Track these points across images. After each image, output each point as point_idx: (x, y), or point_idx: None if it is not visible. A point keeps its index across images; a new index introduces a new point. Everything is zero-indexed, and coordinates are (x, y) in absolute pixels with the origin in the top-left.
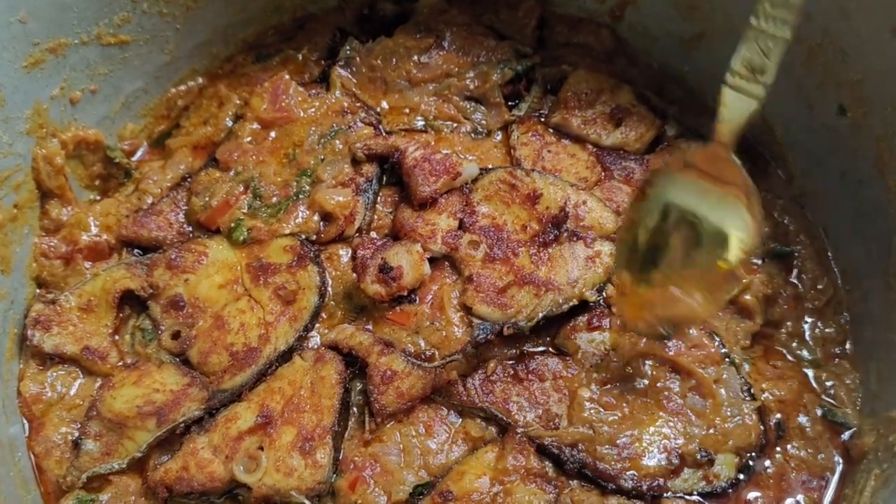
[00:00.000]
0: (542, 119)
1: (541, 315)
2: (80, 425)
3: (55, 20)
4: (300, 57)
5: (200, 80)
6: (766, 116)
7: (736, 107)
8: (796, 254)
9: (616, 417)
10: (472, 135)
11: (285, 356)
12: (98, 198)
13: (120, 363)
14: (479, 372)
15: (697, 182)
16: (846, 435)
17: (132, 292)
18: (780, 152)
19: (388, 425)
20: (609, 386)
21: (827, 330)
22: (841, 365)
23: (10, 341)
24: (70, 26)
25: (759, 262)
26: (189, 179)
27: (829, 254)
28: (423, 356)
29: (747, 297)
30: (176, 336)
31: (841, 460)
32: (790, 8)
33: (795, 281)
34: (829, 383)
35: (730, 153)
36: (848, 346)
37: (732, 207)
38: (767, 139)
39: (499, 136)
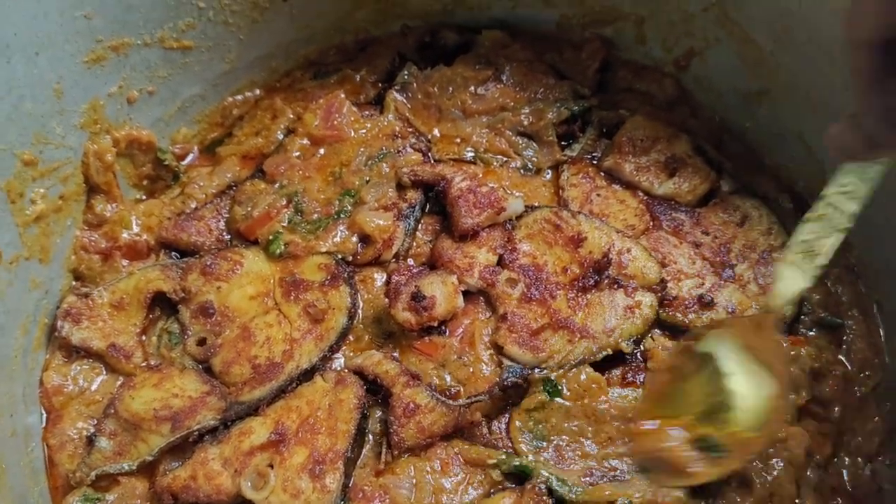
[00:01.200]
0: (595, 162)
1: (573, 362)
2: (96, 422)
3: (120, 19)
4: (358, 78)
5: (258, 91)
6: (827, 181)
7: (790, 284)
8: (847, 328)
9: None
10: (522, 171)
11: (307, 375)
12: (144, 197)
13: (144, 364)
14: (506, 415)
15: (740, 348)
16: None
17: (164, 294)
18: None
19: (403, 458)
20: None
21: (875, 419)
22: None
23: (40, 331)
24: (134, 26)
25: (809, 331)
26: (234, 188)
27: (881, 332)
28: (447, 392)
29: (793, 369)
30: (202, 343)
31: None
32: (856, 199)
33: (844, 359)
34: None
35: (777, 330)
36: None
37: (759, 385)
38: None
39: (548, 175)
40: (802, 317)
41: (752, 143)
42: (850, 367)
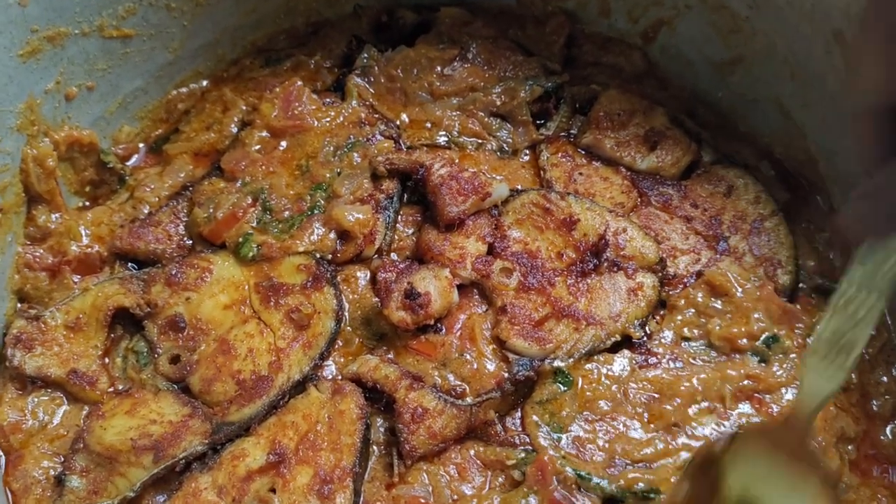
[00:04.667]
0: (572, 139)
1: (583, 351)
2: (63, 459)
3: (56, 6)
4: (312, 64)
5: (204, 82)
6: (808, 146)
7: (818, 387)
8: None
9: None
10: (499, 153)
11: (298, 386)
12: (87, 204)
13: (110, 389)
14: (519, 410)
15: (769, 461)
16: None
17: (126, 310)
18: (822, 184)
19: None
20: (656, 430)
21: (883, 378)
22: None
23: None
24: (71, 14)
25: (809, 297)
26: (190, 189)
27: None
28: (453, 392)
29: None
30: (175, 360)
31: None
32: (882, 281)
33: None
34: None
35: (808, 439)
36: None
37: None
38: (809, 171)
39: (526, 156)
40: (801, 284)
41: (726, 112)
42: None
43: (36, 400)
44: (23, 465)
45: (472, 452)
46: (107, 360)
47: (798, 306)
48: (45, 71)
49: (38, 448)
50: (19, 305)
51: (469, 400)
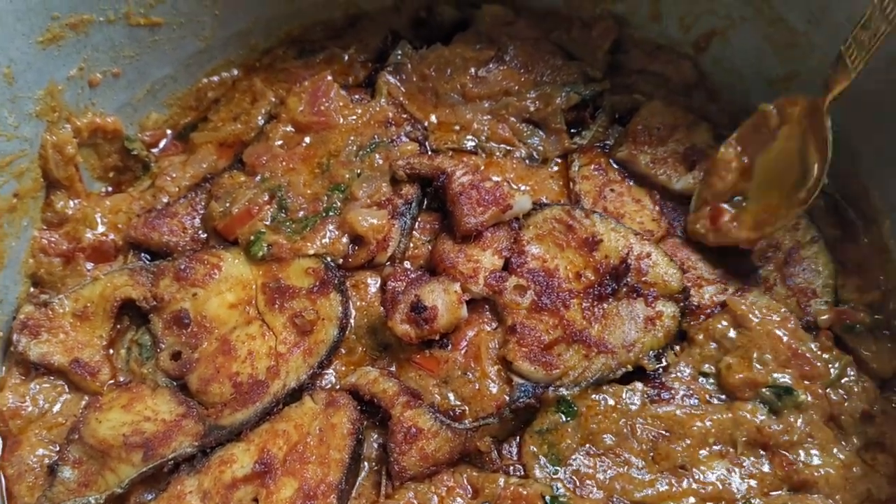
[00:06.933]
0: (607, 151)
1: (590, 380)
2: (59, 448)
3: None
4: (346, 57)
5: (235, 71)
6: (860, 174)
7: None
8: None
9: None
10: (527, 161)
11: (294, 394)
12: (110, 190)
13: (111, 381)
14: (517, 437)
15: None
16: None
17: (133, 302)
18: (874, 216)
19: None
20: (660, 470)
21: None
22: None
23: None
24: (95, 1)
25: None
26: (211, 180)
27: None
28: (451, 413)
29: (843, 416)
30: (176, 357)
31: None
32: None
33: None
34: None
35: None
36: None
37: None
38: (862, 201)
39: (556, 166)
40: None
41: None
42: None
43: (38, 387)
44: (19, 451)
45: (464, 477)
46: (111, 351)
47: (816, 344)
48: (67, 57)
49: (35, 435)
50: (32, 290)
51: (467, 423)
